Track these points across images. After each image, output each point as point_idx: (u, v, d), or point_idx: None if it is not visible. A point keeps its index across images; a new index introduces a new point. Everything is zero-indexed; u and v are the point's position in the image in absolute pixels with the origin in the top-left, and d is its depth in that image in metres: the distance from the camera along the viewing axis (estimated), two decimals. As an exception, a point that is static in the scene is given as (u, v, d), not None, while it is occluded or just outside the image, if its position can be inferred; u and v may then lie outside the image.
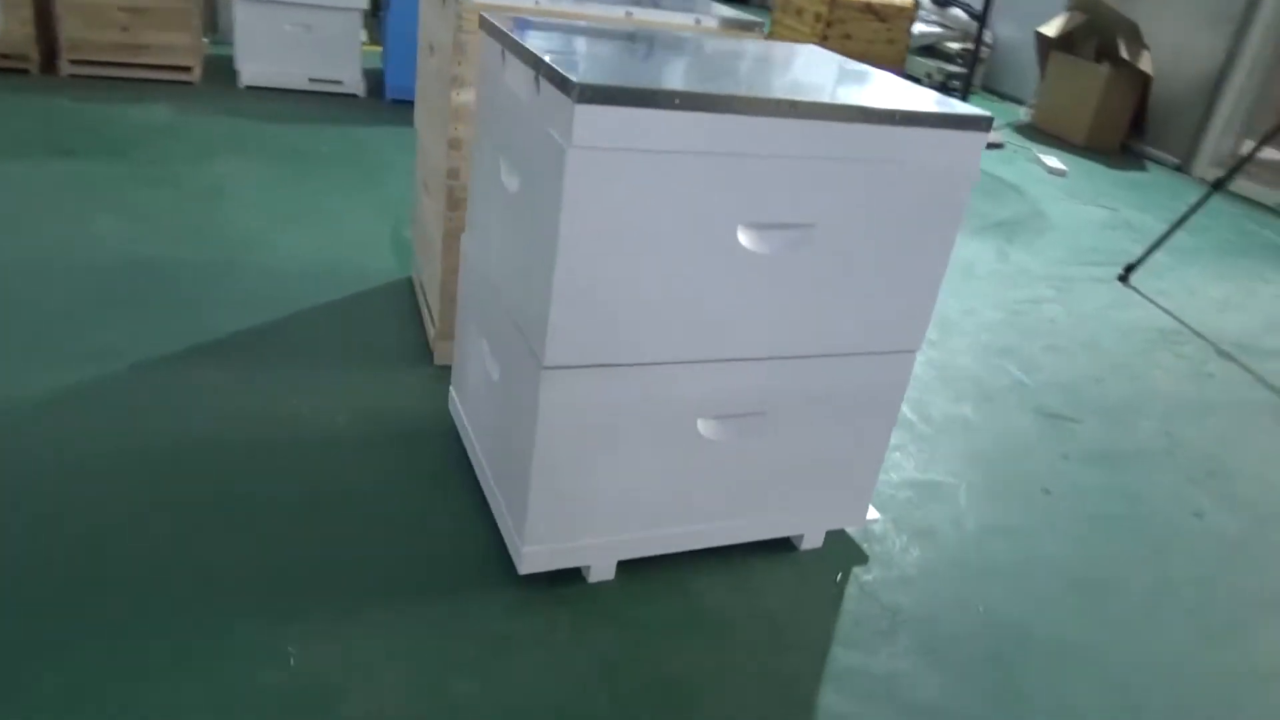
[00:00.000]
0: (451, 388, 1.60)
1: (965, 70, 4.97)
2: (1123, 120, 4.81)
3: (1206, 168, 4.55)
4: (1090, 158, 4.57)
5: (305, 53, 3.54)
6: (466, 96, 1.59)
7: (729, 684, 1.19)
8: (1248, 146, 4.56)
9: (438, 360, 1.81)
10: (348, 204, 2.55)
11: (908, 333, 1.32)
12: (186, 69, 3.46)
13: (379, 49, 4.17)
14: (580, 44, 1.20)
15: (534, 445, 1.18)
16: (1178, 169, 4.67)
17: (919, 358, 1.99)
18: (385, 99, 3.65)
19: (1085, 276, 2.90)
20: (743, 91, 1.08)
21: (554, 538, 1.26)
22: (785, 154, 1.11)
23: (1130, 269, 2.90)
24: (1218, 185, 2.75)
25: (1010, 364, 2.22)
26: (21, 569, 1.20)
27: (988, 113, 1.21)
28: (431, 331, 1.82)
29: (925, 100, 1.21)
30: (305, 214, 2.44)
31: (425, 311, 1.90)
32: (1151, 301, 2.78)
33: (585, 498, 1.25)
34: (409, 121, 3.39)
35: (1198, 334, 2.60)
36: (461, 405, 1.53)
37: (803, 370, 1.27)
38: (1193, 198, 4.15)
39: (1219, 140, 4.51)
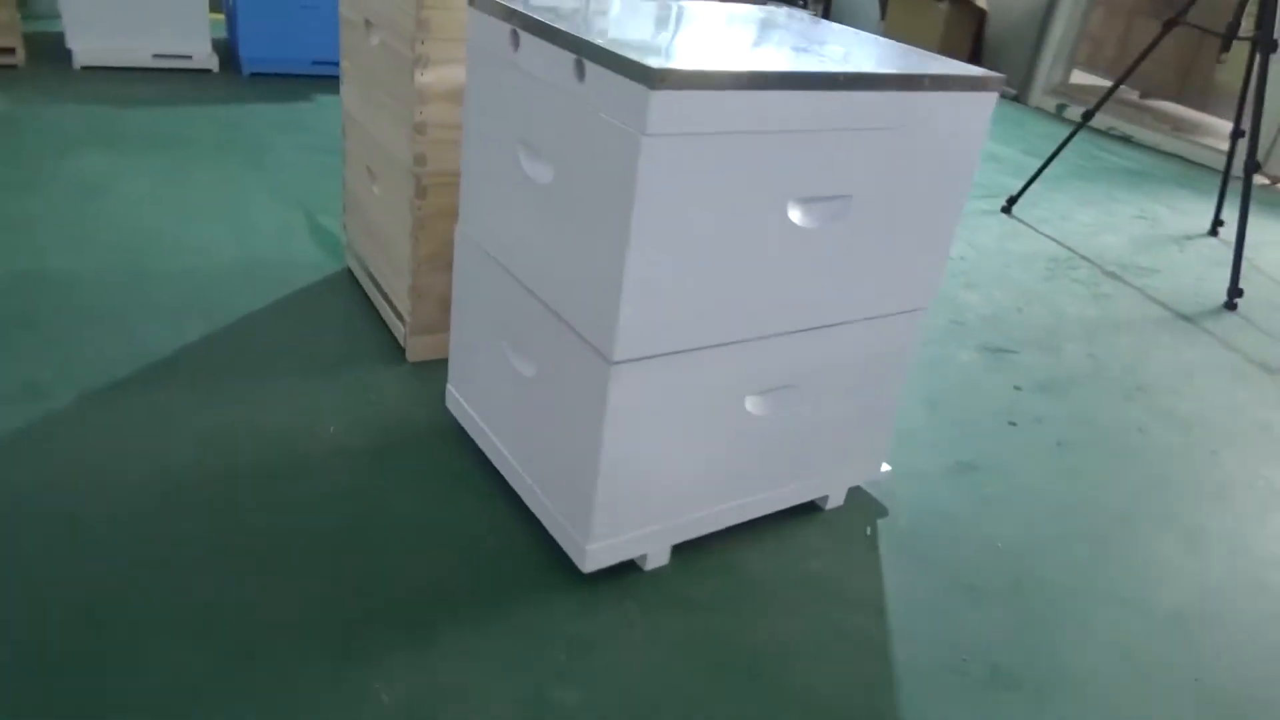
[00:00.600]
0: (450, 386, 1.53)
1: (808, 11, 5.08)
2: (963, 55, 5.08)
3: (1041, 97, 4.88)
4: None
5: (145, 25, 3.22)
6: (431, 77, 1.49)
7: (812, 647, 1.22)
8: (1076, 75, 4.92)
9: (411, 357, 1.72)
10: (243, 193, 2.36)
11: (922, 291, 1.36)
12: (8, 50, 3.08)
13: (222, 17, 3.85)
14: (606, 20, 1.15)
15: (601, 443, 1.15)
16: (1015, 99, 4.99)
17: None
18: (243, 74, 3.38)
19: (973, 210, 3.07)
20: (801, 68, 1.07)
21: (615, 532, 1.24)
22: (830, 127, 1.11)
23: (1013, 200, 3.09)
24: (1087, 118, 2.95)
25: (939, 305, 2.33)
26: (55, 651, 1.07)
27: (999, 73, 1.25)
28: (402, 328, 1.73)
29: (938, 63, 1.24)
30: (201, 208, 2.24)
31: (386, 307, 1.80)
32: (1036, 230, 2.98)
33: (644, 488, 1.23)
34: (281, 97, 3.17)
35: (1084, 258, 2.81)
36: (470, 404, 1.47)
37: (831, 338, 1.30)
38: (1036, 125, 4.47)
39: (1050, 70, 4.84)
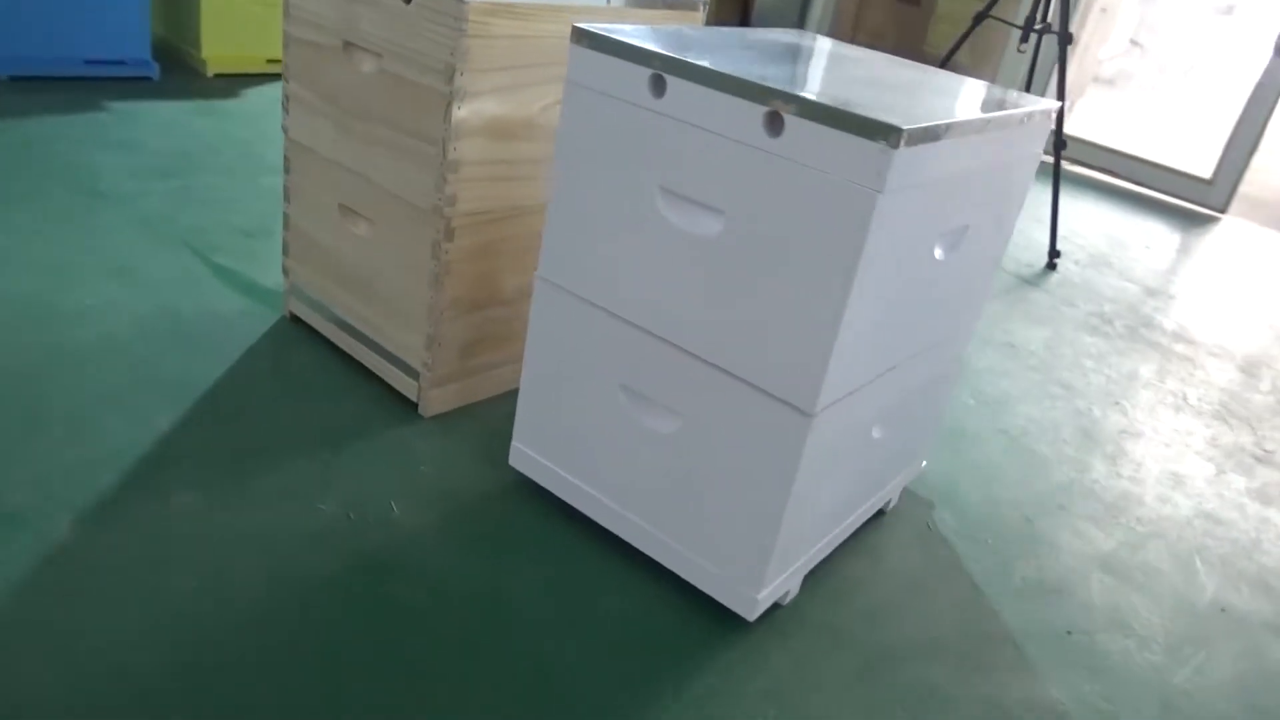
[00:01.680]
0: (519, 444, 1.42)
1: None
2: (732, 9, 5.32)
3: (805, 75, 5.24)
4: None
5: None
6: (466, 111, 1.36)
7: (967, 644, 1.29)
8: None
9: (428, 412, 1.57)
10: (103, 235, 2.01)
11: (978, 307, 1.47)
12: None
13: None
14: (747, 62, 1.11)
15: (790, 493, 1.14)
16: (781, 78, 5.32)
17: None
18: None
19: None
20: (986, 115, 1.10)
21: (779, 575, 1.24)
22: (986, 166, 1.17)
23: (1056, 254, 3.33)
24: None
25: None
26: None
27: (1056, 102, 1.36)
28: (412, 381, 1.57)
29: (994, 94, 1.33)
30: (63, 260, 1.88)
31: (379, 359, 1.62)
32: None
33: (803, 527, 1.24)
34: (67, 107, 2.70)
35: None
36: (554, 460, 1.38)
37: (930, 359, 1.36)
38: None
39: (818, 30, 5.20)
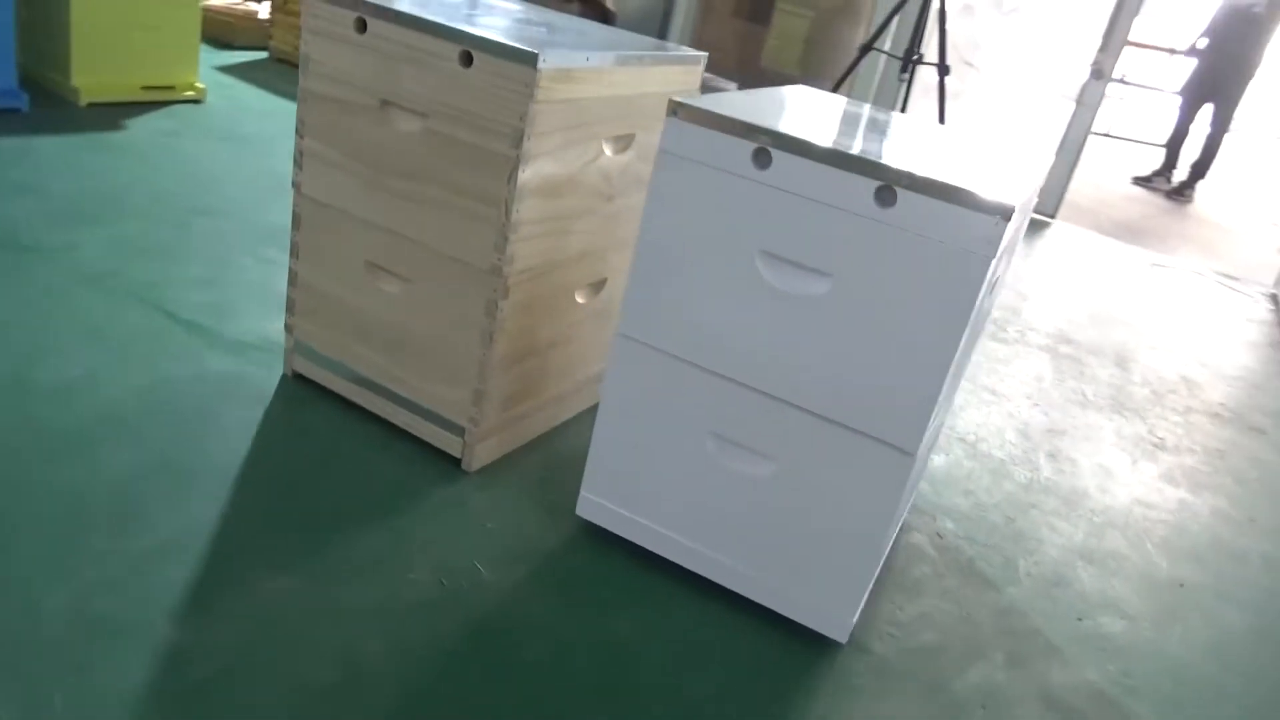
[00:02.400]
0: (588, 493, 1.46)
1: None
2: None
3: (666, 93, 5.41)
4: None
5: None
6: (529, 173, 1.39)
7: (1006, 641, 1.45)
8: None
9: (473, 466, 1.58)
10: (42, 293, 1.85)
11: (979, 331, 1.64)
12: None
13: None
14: (843, 135, 1.22)
15: (890, 525, 1.26)
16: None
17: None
18: None
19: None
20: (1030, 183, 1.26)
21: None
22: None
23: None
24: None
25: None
26: None
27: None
28: (455, 437, 1.56)
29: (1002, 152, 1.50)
30: (11, 327, 1.73)
31: (411, 417, 1.60)
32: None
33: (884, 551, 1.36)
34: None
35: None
36: (629, 508, 1.43)
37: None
38: None
39: (672, 69, 5.38)
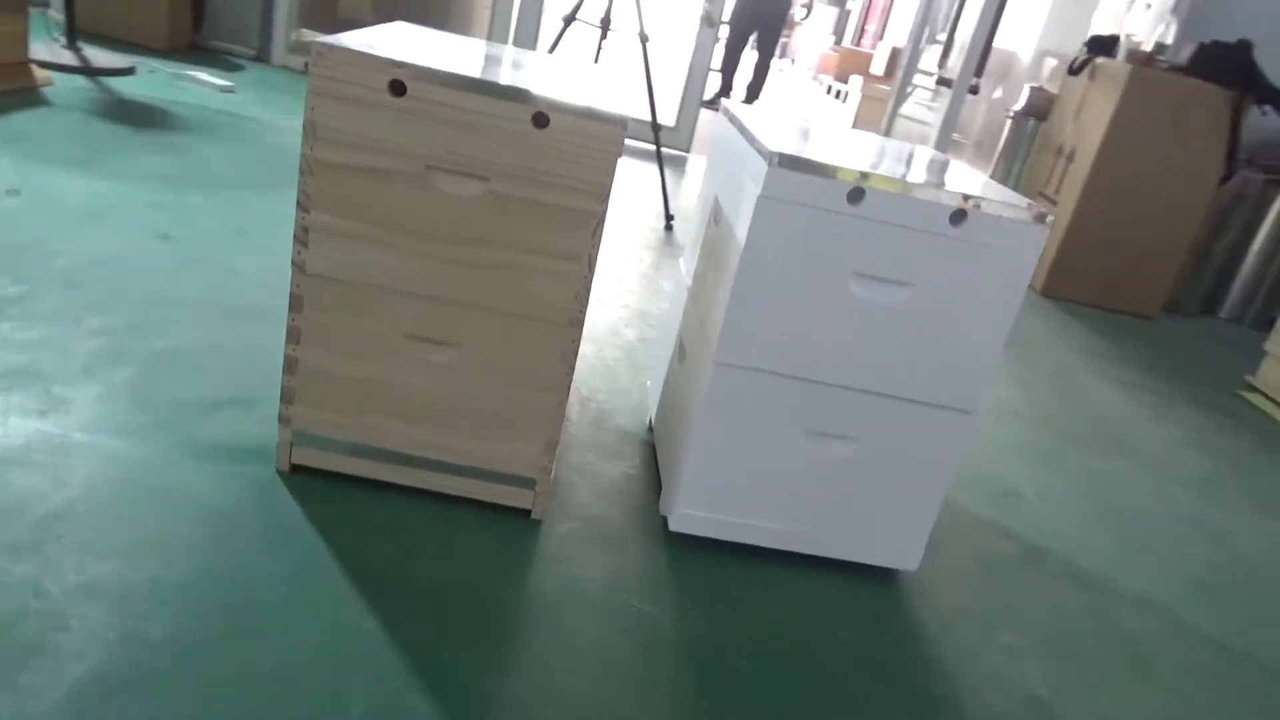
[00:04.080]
0: (687, 509, 1.57)
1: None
2: (185, 17, 4.76)
3: (285, 55, 4.98)
4: (170, 59, 4.48)
5: None
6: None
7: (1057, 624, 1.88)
8: (304, 33, 5.15)
9: (540, 513, 1.59)
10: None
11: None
12: None
13: None
14: (920, 168, 1.45)
15: (951, 471, 1.58)
16: (256, 59, 4.97)
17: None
18: None
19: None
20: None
21: (918, 530, 1.68)
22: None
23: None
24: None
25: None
26: None
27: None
28: (533, 489, 1.56)
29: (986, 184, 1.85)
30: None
31: (468, 480, 1.55)
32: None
33: (920, 491, 1.69)
34: None
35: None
36: (730, 511, 1.58)
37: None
38: (289, 81, 4.62)
39: (287, 27, 4.95)
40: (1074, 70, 4.05)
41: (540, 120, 1.36)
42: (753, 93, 7.07)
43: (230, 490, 1.49)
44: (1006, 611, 1.68)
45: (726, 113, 1.78)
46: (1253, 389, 3.35)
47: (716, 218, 1.68)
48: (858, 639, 1.50)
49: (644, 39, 3.47)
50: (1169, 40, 3.98)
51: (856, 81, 7.24)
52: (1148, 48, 3.89)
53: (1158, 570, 1.95)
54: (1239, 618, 1.84)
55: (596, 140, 1.37)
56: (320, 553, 1.40)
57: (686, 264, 1.89)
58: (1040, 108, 4.49)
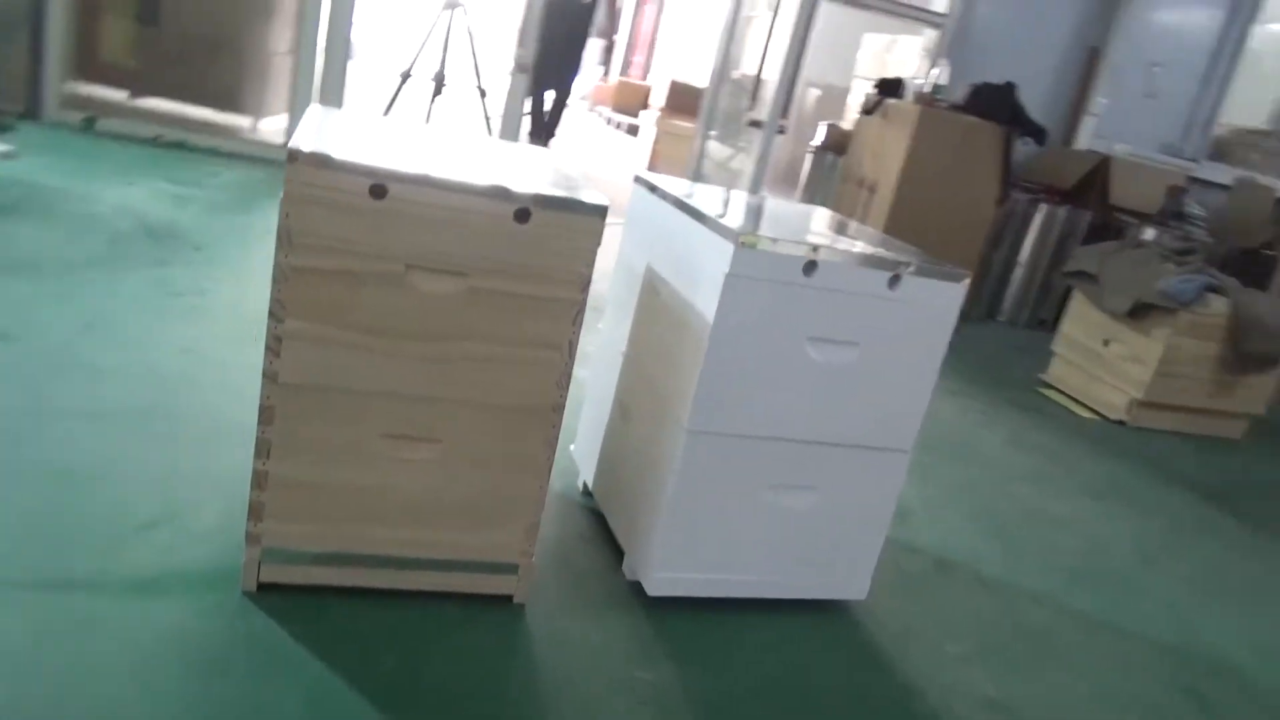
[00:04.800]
0: (663, 574, 1.63)
1: None
2: (-65, 70, 4.22)
3: (58, 110, 4.53)
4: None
5: None
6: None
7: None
8: (80, 86, 4.72)
9: (523, 596, 1.59)
10: None
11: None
12: None
13: None
14: (855, 240, 1.59)
15: (895, 503, 1.74)
16: (26, 115, 4.48)
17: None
18: None
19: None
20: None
21: (861, 562, 1.83)
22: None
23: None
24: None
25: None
26: None
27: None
28: (515, 574, 1.55)
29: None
30: None
31: (449, 575, 1.53)
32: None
33: (859, 526, 1.84)
34: None
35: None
36: (703, 568, 1.65)
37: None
38: (93, 147, 4.24)
39: (60, 82, 4.51)
40: (868, 110, 4.46)
41: (522, 216, 1.38)
42: (549, 130, 7.19)
43: (201, 625, 1.39)
44: (943, 624, 1.86)
45: (646, 183, 1.86)
46: (1048, 385, 3.83)
47: (655, 288, 1.76)
48: (843, 674, 1.62)
49: (483, 93, 3.49)
50: (944, 81, 4.48)
51: (649, 116, 7.53)
52: (927, 89, 4.36)
53: (1037, 566, 2.22)
54: (1112, 599, 2.13)
55: (577, 232, 1.41)
56: (324, 678, 1.34)
57: (611, 328, 1.95)
58: (838, 143, 4.90)
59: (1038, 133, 4.29)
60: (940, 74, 4.37)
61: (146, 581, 1.45)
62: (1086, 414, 3.59)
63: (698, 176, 5.50)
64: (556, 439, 1.52)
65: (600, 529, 1.90)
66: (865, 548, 1.78)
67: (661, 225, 1.76)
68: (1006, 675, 1.73)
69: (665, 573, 1.66)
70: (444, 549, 1.54)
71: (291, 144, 1.29)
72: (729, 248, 1.49)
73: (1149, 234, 4.91)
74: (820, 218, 1.93)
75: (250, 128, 4.92)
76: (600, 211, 1.41)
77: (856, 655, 1.69)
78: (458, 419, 1.47)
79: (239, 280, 2.83)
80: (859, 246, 1.63)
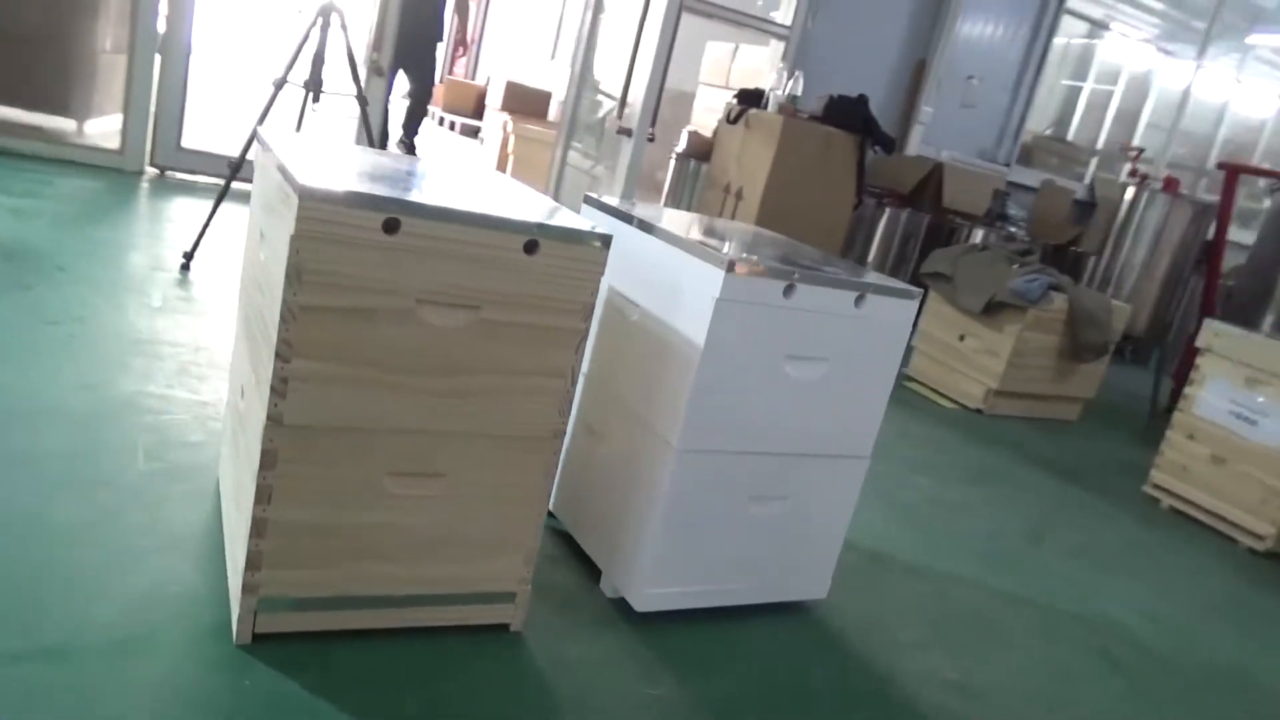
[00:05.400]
0: (650, 590, 1.66)
1: None
2: None
3: None
4: None
5: None
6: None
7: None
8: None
9: (519, 624, 1.58)
10: None
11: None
12: None
13: None
14: (822, 262, 1.67)
15: (853, 505, 1.85)
16: None
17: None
18: None
19: (150, 284, 3.03)
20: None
21: (819, 562, 1.93)
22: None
23: (189, 256, 3.14)
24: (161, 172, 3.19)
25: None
26: None
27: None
28: (512, 603, 1.54)
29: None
30: None
31: (449, 609, 1.50)
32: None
33: (815, 528, 1.94)
34: None
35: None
36: (685, 584, 1.70)
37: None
38: None
39: None
40: (731, 119, 4.63)
41: (531, 247, 1.38)
42: (409, 131, 6.95)
43: (201, 682, 1.31)
44: (892, 614, 1.99)
45: (599, 204, 1.89)
46: (911, 379, 4.13)
47: (621, 310, 1.79)
48: (829, 671, 1.72)
49: (363, 101, 3.37)
50: (798, 92, 4.71)
51: (497, 119, 7.43)
52: (784, 99, 4.58)
53: (951, 550, 2.41)
54: (1021, 577, 2.34)
55: (582, 261, 1.42)
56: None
57: (565, 349, 1.96)
58: (699, 149, 5.05)
59: (888, 142, 4.59)
60: (795, 84, 4.60)
61: (125, 642, 1.35)
62: (948, 404, 3.90)
63: (560, 183, 5.51)
64: (556, 466, 1.52)
65: (567, 548, 1.91)
66: (828, 550, 1.88)
67: (625, 248, 1.79)
68: (959, 657, 1.89)
69: (653, 589, 1.70)
70: (443, 583, 1.51)
71: (300, 180, 1.24)
72: (719, 274, 1.54)
73: (979, 234, 5.37)
74: (744, 231, 2.02)
75: (76, 131, 4.52)
76: (605, 241, 1.43)
77: (832, 652, 1.79)
78: (462, 452, 1.45)
79: (115, 303, 2.61)
80: (828, 267, 1.73)
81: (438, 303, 1.35)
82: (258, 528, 1.35)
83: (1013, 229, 5.57)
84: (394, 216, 1.28)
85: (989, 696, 1.77)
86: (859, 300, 1.69)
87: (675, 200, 5.16)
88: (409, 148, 7.07)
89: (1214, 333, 3.15)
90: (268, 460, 1.32)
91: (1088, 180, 6.48)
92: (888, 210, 5.26)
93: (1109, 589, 2.40)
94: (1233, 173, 4.33)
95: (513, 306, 1.40)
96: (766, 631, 1.80)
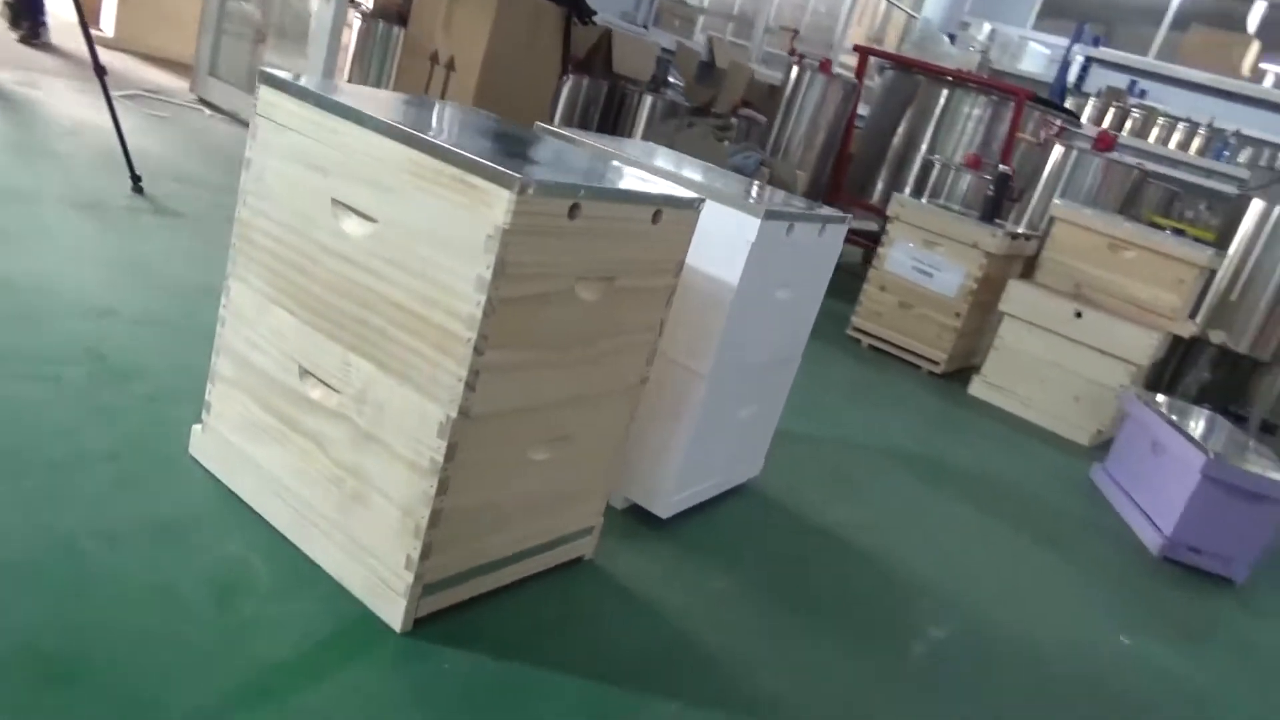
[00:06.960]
0: (672, 495, 1.87)
1: None
2: None
3: None
4: None
5: None
6: (659, 292, 1.59)
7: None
8: None
9: (595, 552, 1.71)
10: None
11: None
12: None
13: None
14: (795, 202, 1.88)
15: (780, 406, 2.19)
16: None
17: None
18: None
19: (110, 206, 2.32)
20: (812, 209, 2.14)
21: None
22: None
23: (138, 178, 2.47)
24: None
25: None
26: None
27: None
28: (592, 534, 1.66)
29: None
30: None
31: (537, 559, 1.58)
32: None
33: (744, 418, 2.26)
34: None
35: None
36: (694, 482, 1.93)
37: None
38: None
39: None
40: (435, -17, 4.38)
41: (656, 217, 1.45)
42: (33, 14, 5.16)
43: (411, 683, 1.30)
44: (802, 478, 2.40)
45: (558, 135, 1.91)
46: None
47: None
48: (789, 536, 2.08)
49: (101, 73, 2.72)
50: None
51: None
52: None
53: (828, 423, 2.88)
54: (867, 434, 2.89)
55: (684, 224, 1.52)
56: (554, 687, 1.38)
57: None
58: (390, 7, 4.71)
59: (588, 13, 4.70)
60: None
61: (286, 664, 1.27)
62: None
63: (216, 50, 4.80)
64: (637, 407, 1.65)
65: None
66: (766, 437, 2.22)
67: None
68: (858, 506, 2.36)
69: (673, 496, 1.91)
70: (550, 533, 1.59)
71: (507, 171, 1.19)
72: (755, 222, 1.72)
73: (649, 100, 5.76)
74: (694, 165, 2.17)
75: None
76: (698, 205, 1.53)
77: (785, 519, 2.16)
78: (588, 412, 1.52)
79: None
80: (804, 205, 1.97)
81: (588, 278, 1.39)
82: (433, 520, 1.33)
83: (674, 94, 6.04)
84: (577, 202, 1.28)
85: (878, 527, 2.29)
86: (822, 230, 1.97)
87: (364, 69, 4.81)
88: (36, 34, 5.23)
89: (899, 203, 3.91)
90: (449, 453, 1.30)
91: (697, 37, 7.14)
92: (570, 78, 5.41)
93: (937, 440, 3.07)
94: (864, 54, 5.16)
95: (637, 273, 1.47)
96: (740, 513, 2.11)
